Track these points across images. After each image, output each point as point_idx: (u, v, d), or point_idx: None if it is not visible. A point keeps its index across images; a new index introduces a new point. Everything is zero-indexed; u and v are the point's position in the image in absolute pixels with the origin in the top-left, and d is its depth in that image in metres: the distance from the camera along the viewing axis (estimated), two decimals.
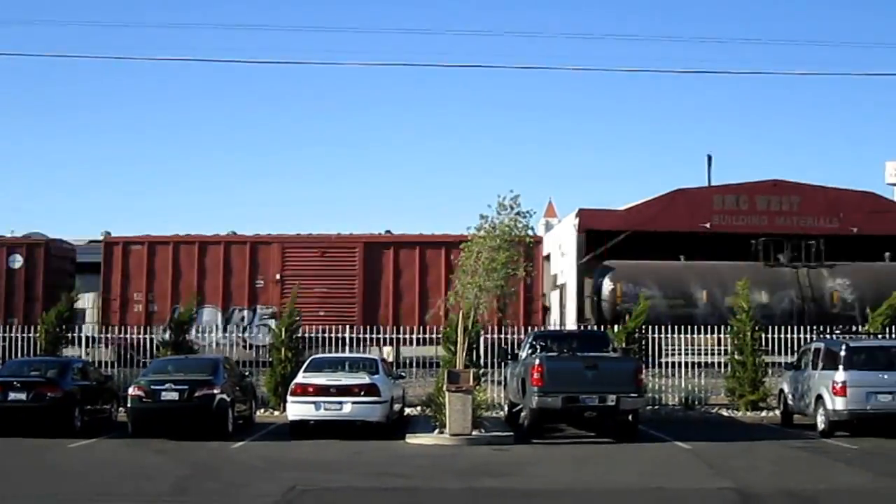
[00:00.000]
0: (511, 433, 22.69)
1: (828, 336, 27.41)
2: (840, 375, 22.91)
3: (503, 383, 26.97)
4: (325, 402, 22.51)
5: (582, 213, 41.82)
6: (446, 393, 22.14)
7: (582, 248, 41.74)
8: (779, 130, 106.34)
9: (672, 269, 37.05)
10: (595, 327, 30.91)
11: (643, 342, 29.02)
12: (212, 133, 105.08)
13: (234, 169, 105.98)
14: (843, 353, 23.26)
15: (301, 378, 23.35)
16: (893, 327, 29.44)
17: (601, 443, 22.44)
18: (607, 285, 35.62)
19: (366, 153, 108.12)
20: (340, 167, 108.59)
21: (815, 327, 30.55)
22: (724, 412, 28.34)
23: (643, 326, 29.13)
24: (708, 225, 42.75)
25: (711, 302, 34.63)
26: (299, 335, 29.08)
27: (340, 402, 22.46)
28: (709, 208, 43.65)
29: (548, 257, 45.74)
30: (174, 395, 22.47)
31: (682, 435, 22.90)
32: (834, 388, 22.88)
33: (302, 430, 22.77)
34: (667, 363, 30.23)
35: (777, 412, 26.74)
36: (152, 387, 22.67)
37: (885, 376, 22.99)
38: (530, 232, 25.19)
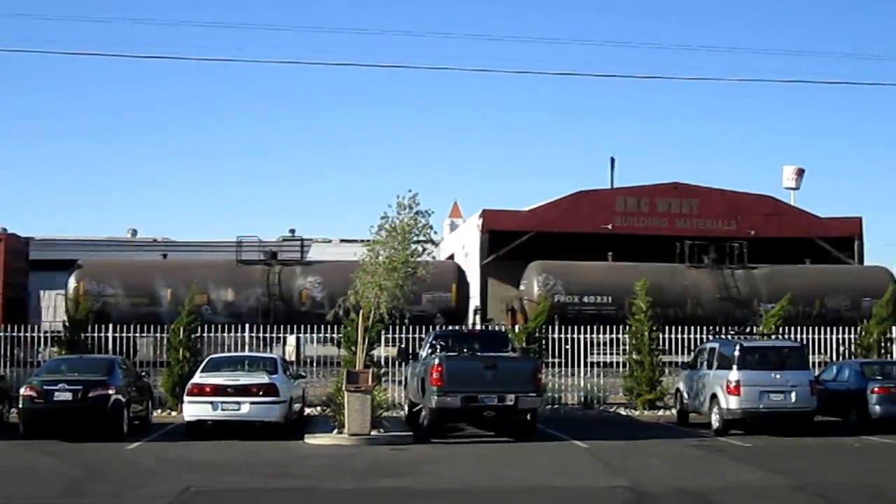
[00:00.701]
0: (410, 433, 22.67)
1: (723, 336, 27.84)
2: (734, 375, 23.32)
3: (404, 383, 26.95)
4: (222, 402, 22.25)
5: (485, 214, 42.09)
6: (345, 393, 22.05)
7: (485, 248, 42.00)
8: (681, 133, 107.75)
9: (136, 267, 36.89)
10: None
11: (543, 341, 29.21)
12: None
13: (131, 170, 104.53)
14: (736, 353, 23.68)
15: (198, 378, 23.07)
16: (786, 328, 30.01)
17: (500, 442, 22.54)
18: (71, 283, 34.92)
19: (268, 154, 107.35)
20: (243, 169, 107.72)
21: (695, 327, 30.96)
22: (623, 411, 28.65)
23: (543, 326, 29.32)
24: (610, 226, 43.29)
25: (175, 300, 33.17)
26: (197, 335, 28.70)
27: (238, 402, 22.22)
28: (611, 210, 44.19)
29: (452, 257, 45.90)
30: (67, 396, 22.01)
31: (580, 434, 23.08)
32: (728, 387, 23.29)
33: (199, 430, 22.49)
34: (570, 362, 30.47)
35: (674, 411, 27.13)
36: (45, 387, 22.17)
37: (777, 376, 23.47)
38: (431, 231, 25.18)
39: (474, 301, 39.03)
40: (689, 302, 36.01)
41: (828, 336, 30.77)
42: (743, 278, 37.45)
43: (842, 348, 30.55)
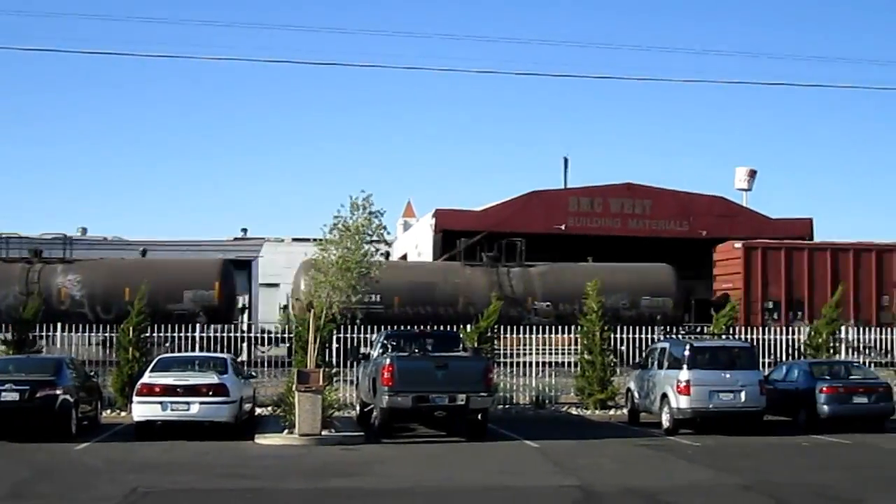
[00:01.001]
0: (361, 433, 22.62)
1: (674, 336, 27.97)
2: (684, 375, 23.47)
3: (356, 383, 26.88)
4: (171, 402, 22.08)
5: (438, 214, 42.11)
6: (296, 393, 21.97)
7: (438, 248, 42.00)
8: (635, 134, 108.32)
9: None
10: None
11: (496, 341, 29.26)
12: None
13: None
14: (687, 353, 23.83)
15: (147, 378, 22.88)
16: (735, 327, 30.24)
17: (451, 442, 22.53)
18: None
19: (219, 153, 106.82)
20: (194, 168, 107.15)
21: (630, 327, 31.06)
22: (574, 411, 28.71)
23: (496, 326, 29.35)
24: (563, 226, 43.45)
25: None
26: (147, 334, 28.46)
27: (188, 403, 22.07)
28: (564, 210, 44.35)
29: (405, 257, 45.90)
30: (14, 396, 21.69)
31: (531, 434, 23.11)
32: (678, 386, 23.42)
33: (148, 431, 22.31)
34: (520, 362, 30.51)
35: (625, 410, 27.25)
36: None
37: (727, 375, 23.64)
38: (384, 232, 25.14)
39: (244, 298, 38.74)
40: (461, 300, 35.15)
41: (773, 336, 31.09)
42: (518, 276, 36.36)
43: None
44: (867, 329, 32.96)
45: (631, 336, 30.18)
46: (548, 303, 35.42)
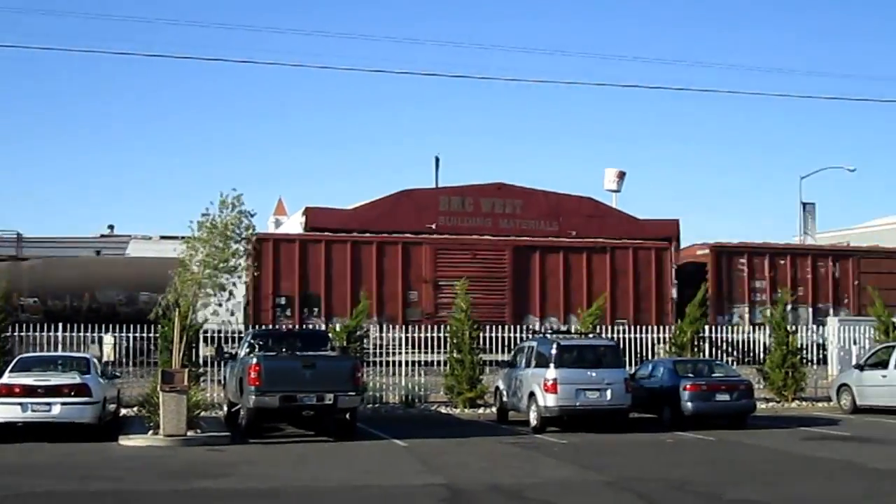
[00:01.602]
0: (228, 433, 22.35)
1: (542, 335, 28.25)
2: (551, 373, 23.73)
3: (223, 383, 26.57)
4: (32, 403, 21.51)
5: (308, 212, 41.76)
6: (160, 393, 21.62)
7: None
8: (507, 134, 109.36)
9: None
10: None
11: (364, 340, 29.22)
12: None
13: None
14: (554, 352, 24.09)
15: (6, 378, 22.25)
16: (601, 326, 30.68)
17: (319, 441, 22.41)
18: None
19: (88, 148, 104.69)
20: (60, 162, 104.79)
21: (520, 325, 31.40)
22: (444, 409, 28.80)
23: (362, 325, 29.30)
24: (434, 226, 43.43)
25: None
26: (8, 333, 27.69)
27: (49, 404, 21.53)
28: (435, 209, 44.34)
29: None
30: None
31: (400, 433, 23.13)
32: (545, 385, 23.67)
33: (8, 433, 21.68)
34: (392, 362, 30.47)
35: (493, 409, 27.43)
36: None
37: (593, 374, 23.98)
38: (253, 232, 24.92)
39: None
40: None
41: (643, 336, 31.67)
42: (4, 269, 33.80)
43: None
44: (731, 329, 33.70)
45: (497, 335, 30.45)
46: (35, 298, 33.95)
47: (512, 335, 30.63)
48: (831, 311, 39.83)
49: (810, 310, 40.33)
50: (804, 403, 30.69)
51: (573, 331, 30.15)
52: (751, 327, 35.62)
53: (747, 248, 41.09)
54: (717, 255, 40.40)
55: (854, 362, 30.83)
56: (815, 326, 35.39)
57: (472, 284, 32.15)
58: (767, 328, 32.14)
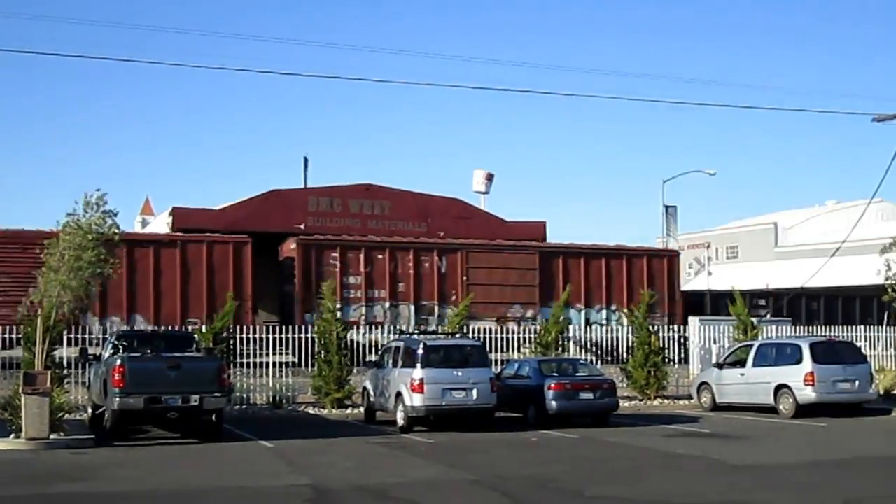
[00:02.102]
0: (92, 436, 21.99)
1: (409, 335, 28.43)
2: (418, 373, 23.91)
3: (88, 384, 26.13)
4: None
5: (175, 212, 41.35)
6: (22, 395, 21.19)
7: None
8: (377, 135, 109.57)
9: None
10: None
11: (231, 342, 29.02)
12: None
13: None
14: (420, 352, 24.28)
15: None
16: (467, 326, 31.00)
17: (185, 443, 22.20)
18: None
19: None
20: None
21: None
22: (311, 410, 28.77)
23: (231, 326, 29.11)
24: (303, 226, 43.35)
25: None
26: None
27: None
28: (304, 210, 44.27)
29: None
30: None
31: (267, 434, 23.07)
32: (412, 385, 23.85)
33: None
34: (260, 363, 30.31)
35: (361, 409, 27.52)
36: None
37: (459, 373, 24.24)
38: (117, 233, 24.54)
39: None
40: None
41: (506, 336, 32.11)
42: None
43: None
44: (594, 328, 34.34)
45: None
46: None
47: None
48: (436, 308, 40.03)
49: (412, 307, 40.16)
50: (666, 401, 31.43)
51: (438, 331, 30.40)
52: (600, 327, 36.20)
53: (340, 242, 40.34)
54: (305, 250, 39.45)
55: (714, 361, 31.72)
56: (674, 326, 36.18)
57: None
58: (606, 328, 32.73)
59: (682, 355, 35.00)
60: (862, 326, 37.04)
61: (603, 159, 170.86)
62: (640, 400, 31.16)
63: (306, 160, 53.43)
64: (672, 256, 46.60)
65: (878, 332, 35.39)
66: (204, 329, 28.61)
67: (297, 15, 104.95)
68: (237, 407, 27.49)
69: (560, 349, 31.73)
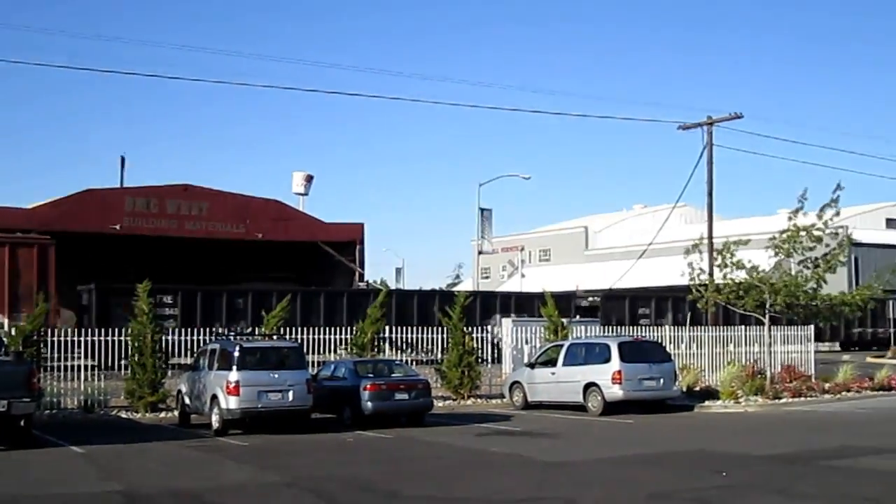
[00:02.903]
0: None
1: (224, 337, 28.23)
2: (233, 375, 23.80)
3: None
4: None
5: None
6: None
7: None
8: (195, 136, 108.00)
9: None
10: None
11: (42, 345, 28.31)
12: None
13: None
14: (236, 354, 24.17)
15: None
16: (285, 328, 30.98)
17: None
18: None
19: None
20: None
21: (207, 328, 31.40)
22: (124, 414, 28.21)
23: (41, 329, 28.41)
24: (118, 227, 42.62)
25: None
26: None
27: None
28: (120, 210, 43.55)
29: None
30: None
31: (78, 439, 22.54)
32: (227, 387, 23.73)
33: None
34: (69, 366, 29.60)
35: (176, 413, 27.20)
36: None
37: (276, 375, 24.20)
38: None
39: None
40: None
41: (325, 336, 32.21)
42: None
43: None
44: (409, 329, 34.63)
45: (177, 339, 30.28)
46: None
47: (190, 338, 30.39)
48: None
49: None
50: (479, 401, 31.94)
51: (256, 333, 30.30)
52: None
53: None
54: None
55: (526, 361, 32.45)
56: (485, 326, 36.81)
57: None
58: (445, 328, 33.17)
59: (496, 355, 35.63)
60: (667, 325, 38.38)
61: (423, 162, 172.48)
62: (455, 399, 31.58)
63: (123, 160, 52.52)
64: (44, 245, 39.10)
65: (682, 331, 36.70)
66: (13, 332, 27.76)
67: (111, 12, 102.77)
68: (47, 412, 26.83)
69: (376, 350, 31.95)
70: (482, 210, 62.33)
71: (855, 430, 24.27)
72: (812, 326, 37.56)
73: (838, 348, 62.22)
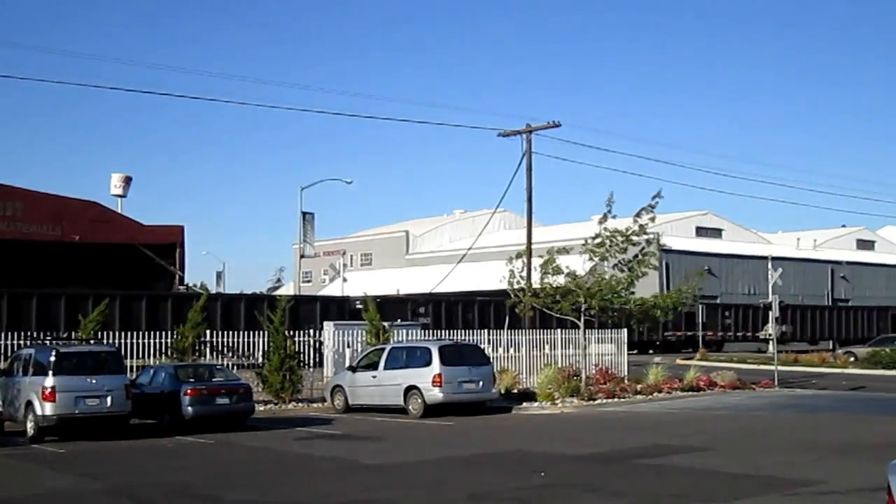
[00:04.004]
0: None
1: (40, 342, 27.57)
2: (49, 381, 23.26)
3: None
4: None
5: None
6: None
7: None
8: (7, 135, 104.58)
9: None
10: None
11: None
12: None
13: None
14: (52, 359, 23.62)
15: None
16: (103, 332, 30.40)
17: None
18: None
19: None
20: None
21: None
22: None
23: None
24: None
25: None
26: None
27: None
28: None
29: None
30: None
31: None
32: (43, 393, 23.18)
33: None
34: None
35: None
36: None
37: (94, 381, 23.72)
38: None
39: None
40: None
41: (146, 340, 31.72)
42: None
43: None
44: (231, 333, 34.39)
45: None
46: None
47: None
48: None
49: None
50: (301, 405, 31.91)
51: (73, 338, 29.63)
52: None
53: None
54: None
55: (347, 364, 32.58)
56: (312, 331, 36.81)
57: None
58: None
59: (318, 359, 35.64)
60: (486, 329, 39.02)
61: (245, 166, 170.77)
62: (276, 404, 31.46)
63: None
64: None
65: (500, 334, 37.37)
66: None
67: None
68: None
69: (197, 354, 31.63)
70: (304, 214, 62.12)
71: (665, 430, 25.16)
72: (625, 329, 38.72)
73: (651, 351, 64.27)
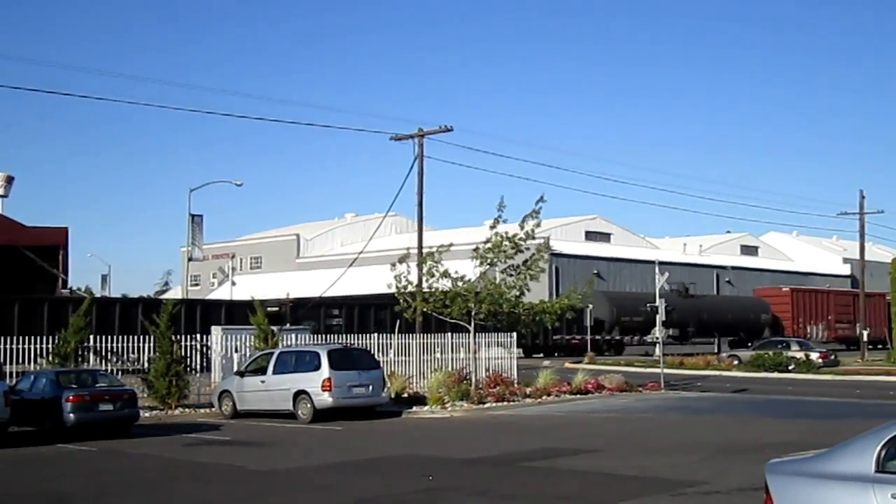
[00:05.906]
0: None
1: None
2: None
3: None
4: None
5: None
6: None
7: None
8: None
9: None
10: None
11: None
12: None
13: None
14: None
15: None
16: None
17: None
18: None
19: None
20: None
21: None
22: None
23: None
24: None
25: None
26: None
27: None
28: None
29: None
30: None
31: None
32: None
33: None
34: None
35: None
36: None
37: None
38: None
39: None
40: None
41: (22, 346, 30.90)
42: None
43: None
44: (115, 338, 33.69)
45: None
46: None
47: None
48: None
49: None
50: (188, 410, 31.39)
51: None
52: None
53: None
54: None
55: (235, 369, 32.17)
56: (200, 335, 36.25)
57: None
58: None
59: (205, 364, 35.11)
60: (376, 333, 38.91)
61: (132, 167, 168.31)
62: (163, 410, 30.89)
63: None
64: None
65: (390, 338, 37.28)
66: None
67: None
68: None
69: (80, 360, 30.92)
70: (193, 216, 61.39)
71: (554, 433, 25.35)
72: (515, 333, 38.91)
73: (540, 354, 64.73)
